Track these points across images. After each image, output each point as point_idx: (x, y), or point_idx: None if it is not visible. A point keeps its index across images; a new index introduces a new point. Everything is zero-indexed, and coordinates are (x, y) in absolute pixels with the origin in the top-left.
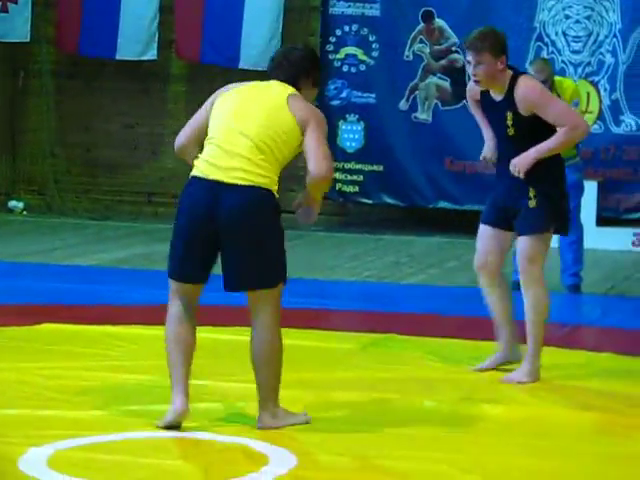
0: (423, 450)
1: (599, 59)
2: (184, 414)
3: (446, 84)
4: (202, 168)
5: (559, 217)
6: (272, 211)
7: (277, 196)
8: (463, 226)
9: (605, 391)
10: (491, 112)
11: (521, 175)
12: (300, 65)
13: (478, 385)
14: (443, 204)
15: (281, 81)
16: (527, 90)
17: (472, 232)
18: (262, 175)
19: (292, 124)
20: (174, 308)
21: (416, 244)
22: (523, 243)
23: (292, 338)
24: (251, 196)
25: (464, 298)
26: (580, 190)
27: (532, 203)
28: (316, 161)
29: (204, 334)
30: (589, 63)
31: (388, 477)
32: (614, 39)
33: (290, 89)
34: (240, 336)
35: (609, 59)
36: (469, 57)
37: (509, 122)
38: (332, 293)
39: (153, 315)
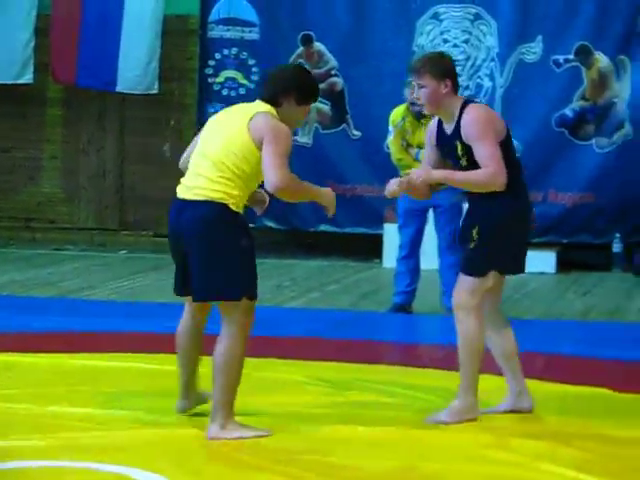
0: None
1: (477, 82)
2: (184, 411)
3: (326, 108)
4: (177, 189)
5: (502, 259)
6: (225, 224)
7: (238, 210)
8: (344, 249)
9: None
10: (444, 145)
11: (418, 182)
12: (281, 84)
13: (355, 409)
14: (324, 227)
15: (264, 99)
16: (468, 119)
17: (353, 255)
18: (217, 190)
19: (248, 142)
20: (182, 318)
21: (297, 267)
22: (461, 278)
23: (168, 364)
24: (204, 210)
25: (345, 321)
26: (459, 212)
27: (472, 244)
28: (268, 173)
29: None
30: (467, 87)
31: None
32: (492, 63)
33: (263, 108)
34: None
35: (487, 83)
36: (414, 81)
37: (459, 152)
38: (213, 317)
39: (29, 342)
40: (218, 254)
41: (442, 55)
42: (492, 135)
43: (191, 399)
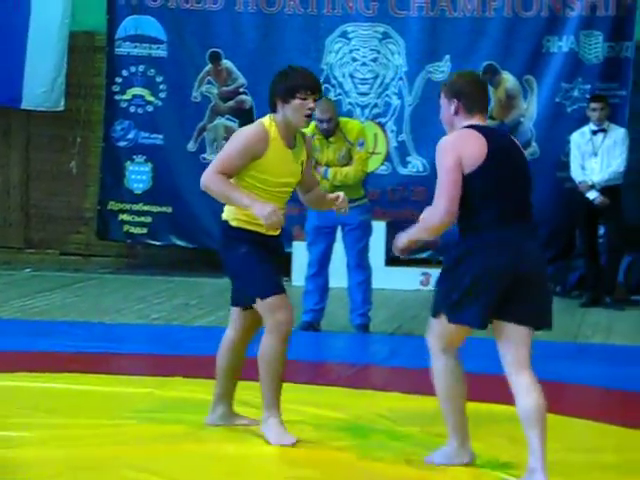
0: None
1: (386, 101)
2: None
3: (234, 125)
4: None
5: (446, 303)
6: (225, 238)
7: (239, 225)
8: None
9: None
10: None
11: (397, 254)
12: (270, 91)
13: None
14: None
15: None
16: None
17: None
18: (224, 210)
19: None
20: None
21: (206, 286)
22: None
23: (76, 383)
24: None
25: (253, 339)
26: (368, 230)
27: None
28: None
29: None
30: (376, 105)
31: None
32: (400, 81)
33: (259, 121)
34: None
35: (395, 101)
36: None
37: None
38: (118, 336)
39: None
40: (228, 266)
41: (459, 74)
42: (447, 164)
43: (218, 414)
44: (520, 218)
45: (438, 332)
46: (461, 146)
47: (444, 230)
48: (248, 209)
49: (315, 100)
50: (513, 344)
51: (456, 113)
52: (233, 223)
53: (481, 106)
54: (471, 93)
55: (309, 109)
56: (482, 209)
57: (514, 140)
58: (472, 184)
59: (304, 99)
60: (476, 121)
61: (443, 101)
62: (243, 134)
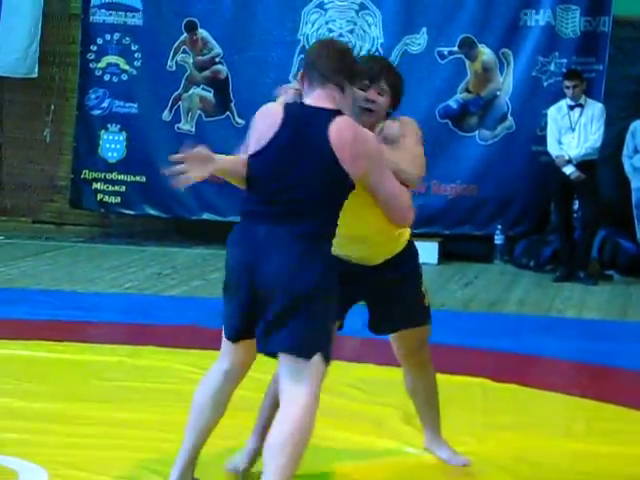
0: None
1: None
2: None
3: (210, 95)
4: None
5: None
6: None
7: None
8: (226, 238)
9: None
10: None
11: None
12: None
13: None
14: (207, 215)
15: None
16: None
17: None
18: None
19: None
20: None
21: (179, 256)
22: None
23: (47, 351)
24: None
25: None
26: None
27: None
28: None
29: None
30: None
31: None
32: (377, 53)
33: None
34: None
35: None
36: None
37: None
38: (91, 305)
39: None
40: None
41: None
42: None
43: None
44: (278, 217)
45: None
46: (257, 123)
47: None
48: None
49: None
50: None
51: (303, 85)
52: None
53: (320, 80)
54: (311, 63)
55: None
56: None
57: (324, 130)
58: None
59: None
60: (313, 98)
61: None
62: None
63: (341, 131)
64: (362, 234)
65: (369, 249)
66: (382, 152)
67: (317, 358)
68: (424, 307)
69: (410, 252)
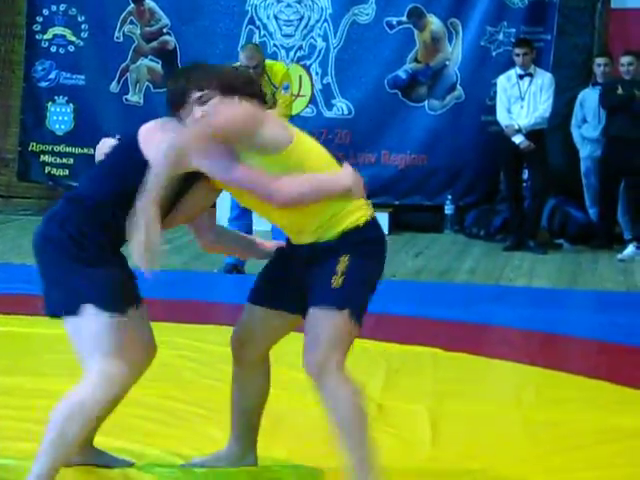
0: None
1: (310, 43)
2: None
3: (158, 66)
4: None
5: None
6: None
7: None
8: None
9: None
10: None
11: None
12: None
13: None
14: None
15: None
16: None
17: None
18: None
19: None
20: None
21: None
22: None
23: (21, 326)
24: None
25: (176, 281)
26: None
27: None
28: None
29: None
30: (301, 47)
31: None
32: (325, 24)
33: None
34: None
35: (320, 43)
36: None
37: None
38: (39, 278)
39: None
40: None
41: None
42: None
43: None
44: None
45: None
46: None
47: None
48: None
49: None
50: None
51: None
52: None
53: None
54: None
55: None
56: None
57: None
58: None
59: None
60: None
61: None
62: None
63: None
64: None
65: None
66: None
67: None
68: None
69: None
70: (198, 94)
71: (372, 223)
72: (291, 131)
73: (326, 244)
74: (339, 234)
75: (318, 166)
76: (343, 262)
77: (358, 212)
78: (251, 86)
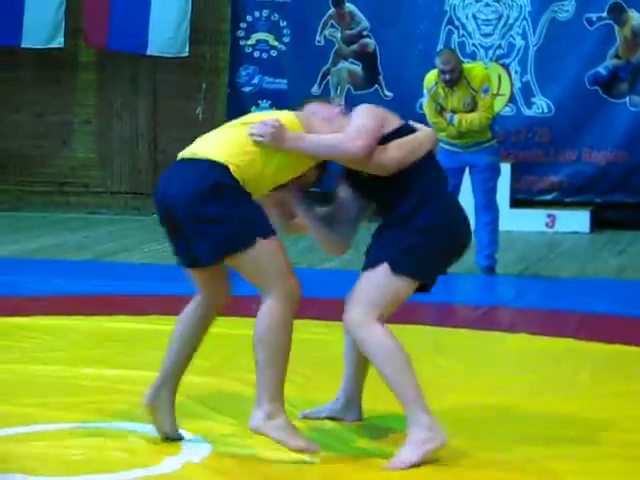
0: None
1: (509, 42)
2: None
3: (358, 69)
4: None
5: None
6: None
7: None
8: None
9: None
10: None
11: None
12: None
13: None
14: None
15: None
16: None
17: None
18: None
19: None
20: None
21: None
22: None
23: None
24: None
25: None
26: (497, 172)
27: None
28: None
29: None
30: (500, 46)
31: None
32: (524, 22)
33: None
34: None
35: (519, 42)
36: None
37: None
38: None
39: (65, 305)
40: None
41: None
42: None
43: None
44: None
45: None
46: None
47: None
48: None
49: None
50: None
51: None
52: None
53: None
54: None
55: None
56: None
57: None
58: None
59: None
60: None
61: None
62: None
63: None
64: None
65: None
66: None
67: None
68: None
69: None
70: None
71: None
72: None
73: None
74: None
75: None
76: None
77: None
78: None
